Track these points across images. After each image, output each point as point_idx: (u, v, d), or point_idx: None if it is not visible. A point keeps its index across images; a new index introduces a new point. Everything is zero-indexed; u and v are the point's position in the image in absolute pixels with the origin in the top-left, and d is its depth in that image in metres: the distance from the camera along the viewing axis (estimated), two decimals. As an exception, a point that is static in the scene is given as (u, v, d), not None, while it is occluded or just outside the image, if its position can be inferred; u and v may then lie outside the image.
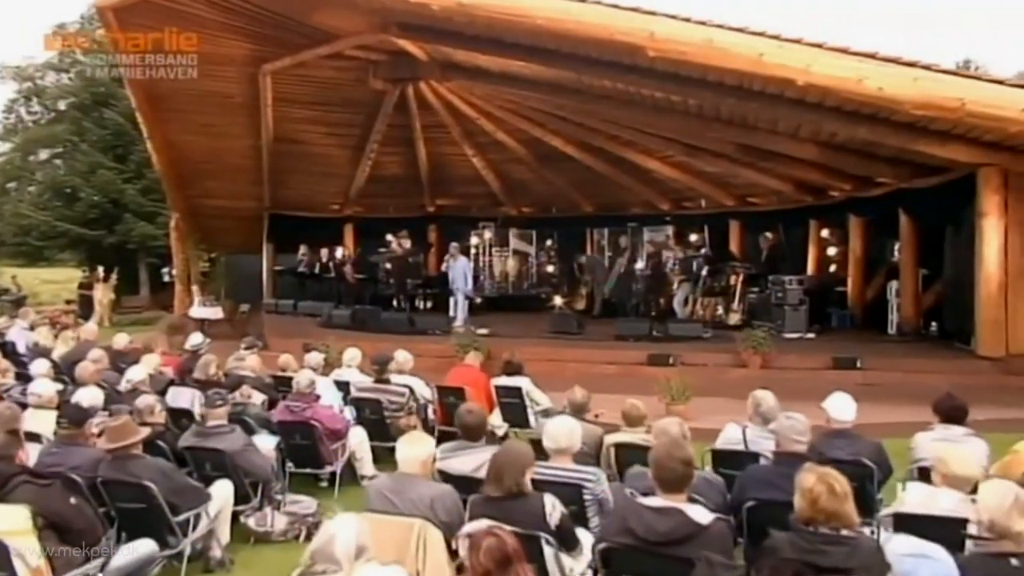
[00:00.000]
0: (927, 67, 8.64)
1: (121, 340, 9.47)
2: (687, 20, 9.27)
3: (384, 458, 7.03)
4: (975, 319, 10.79)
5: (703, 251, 16.79)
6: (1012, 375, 10.17)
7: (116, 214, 25.09)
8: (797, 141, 12.89)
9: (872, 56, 8.72)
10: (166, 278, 21.56)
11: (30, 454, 4.14)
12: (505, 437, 7.62)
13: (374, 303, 17.67)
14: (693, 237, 18.84)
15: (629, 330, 12.66)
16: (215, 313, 17.10)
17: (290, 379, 8.18)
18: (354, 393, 7.15)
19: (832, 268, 15.90)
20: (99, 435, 5.27)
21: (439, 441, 7.72)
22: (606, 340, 12.65)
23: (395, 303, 18.45)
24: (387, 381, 7.14)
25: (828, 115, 10.73)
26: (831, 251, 15.96)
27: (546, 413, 7.50)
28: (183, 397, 7.44)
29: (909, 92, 8.62)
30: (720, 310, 14.30)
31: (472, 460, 4.42)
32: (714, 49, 9.10)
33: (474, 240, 21.37)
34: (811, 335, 12.69)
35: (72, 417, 4.77)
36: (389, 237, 21.03)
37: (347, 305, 17.11)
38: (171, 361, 9.12)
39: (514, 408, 7.45)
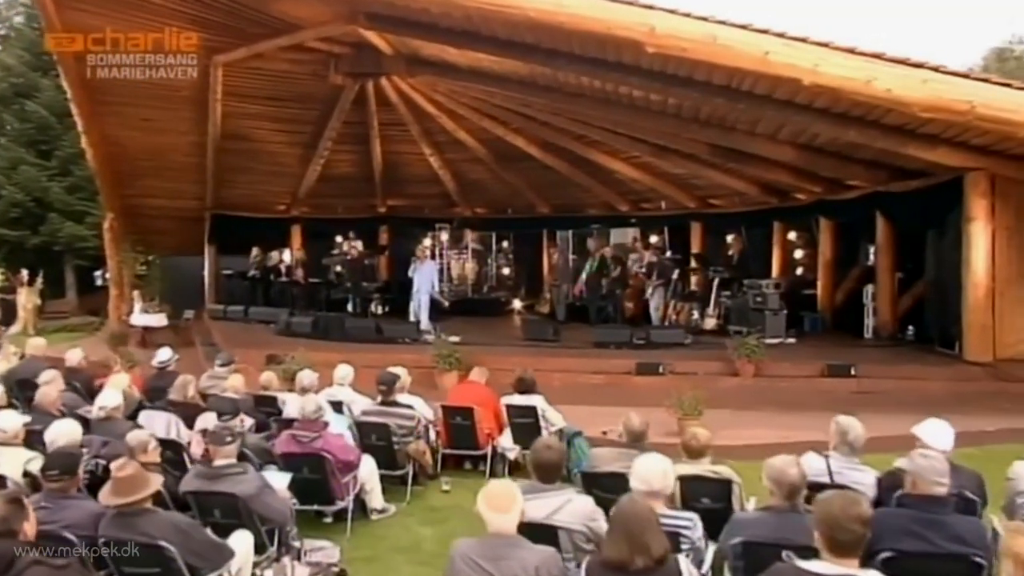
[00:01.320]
0: (935, 68, 8.41)
1: (74, 356, 8.51)
2: (688, 15, 8.83)
3: (391, 489, 6.40)
4: (962, 324, 10.70)
5: (668, 254, 16.51)
6: (1004, 381, 10.09)
7: (40, 213, 23.42)
8: (775, 143, 12.67)
9: (879, 56, 8.44)
10: (99, 282, 20.16)
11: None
12: (517, 462, 7.09)
13: (328, 308, 16.90)
14: (653, 239, 18.66)
15: (609, 337, 12.22)
16: (158, 320, 16.03)
17: (274, 399, 7.50)
18: (358, 417, 6.47)
19: (799, 271, 15.81)
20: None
21: (443, 464, 7.21)
22: (586, 348, 12.17)
23: (350, 308, 17.73)
24: (394, 403, 6.48)
25: (818, 117, 10.49)
26: (798, 254, 15.87)
27: (561, 433, 6.99)
28: (158, 423, 6.67)
29: (918, 94, 8.38)
30: (695, 315, 13.99)
31: (547, 505, 3.86)
32: (718, 46, 8.69)
33: (427, 242, 20.74)
34: (791, 340, 12.45)
35: (63, 465, 4.01)
36: (339, 239, 20.31)
37: (300, 311, 16.28)
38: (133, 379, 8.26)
39: (528, 429, 6.90)
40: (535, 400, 6.94)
